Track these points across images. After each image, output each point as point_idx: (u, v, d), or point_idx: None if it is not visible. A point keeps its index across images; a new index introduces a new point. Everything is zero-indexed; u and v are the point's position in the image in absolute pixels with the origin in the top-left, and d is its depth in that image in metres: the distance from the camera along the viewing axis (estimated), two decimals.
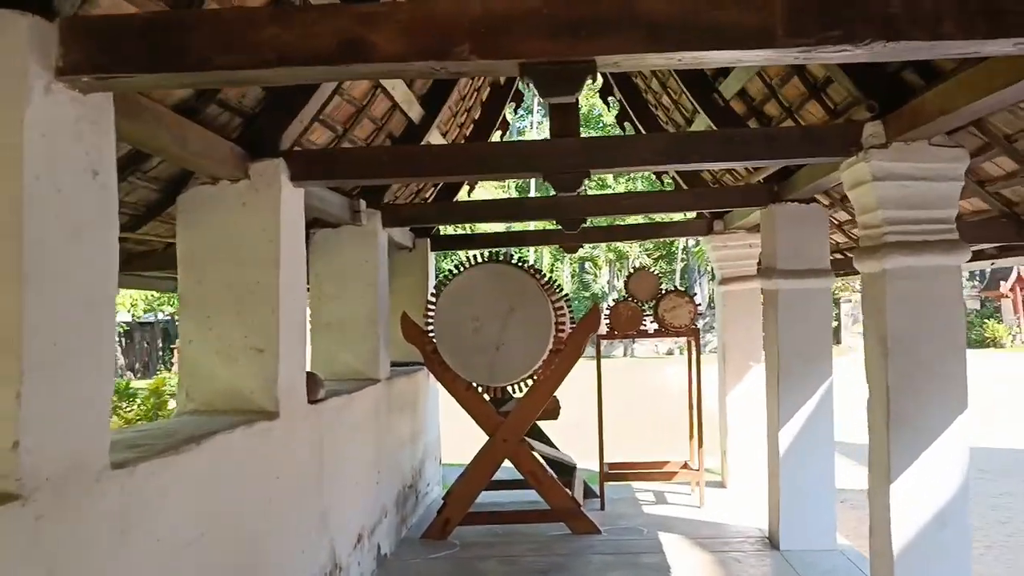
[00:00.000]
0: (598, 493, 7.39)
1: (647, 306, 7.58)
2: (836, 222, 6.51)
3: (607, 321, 7.43)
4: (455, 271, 6.38)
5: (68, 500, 2.26)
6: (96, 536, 2.39)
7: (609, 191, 28.55)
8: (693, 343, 7.69)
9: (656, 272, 7.86)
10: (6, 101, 2.15)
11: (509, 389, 6.66)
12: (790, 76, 4.87)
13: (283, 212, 4.01)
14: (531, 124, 36.26)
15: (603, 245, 34.11)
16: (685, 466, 7.92)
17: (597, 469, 7.48)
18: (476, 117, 7.99)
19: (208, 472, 3.11)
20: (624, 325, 7.46)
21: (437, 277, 7.10)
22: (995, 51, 2.25)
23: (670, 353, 32.67)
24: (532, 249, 32.96)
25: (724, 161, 4.09)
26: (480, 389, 6.46)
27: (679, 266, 34.52)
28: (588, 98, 27.61)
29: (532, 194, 30.02)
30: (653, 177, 9.19)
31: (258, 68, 2.23)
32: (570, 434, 9.39)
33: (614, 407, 8.99)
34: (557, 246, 32.91)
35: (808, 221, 5.83)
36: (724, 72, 5.72)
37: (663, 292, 7.56)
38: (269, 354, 3.92)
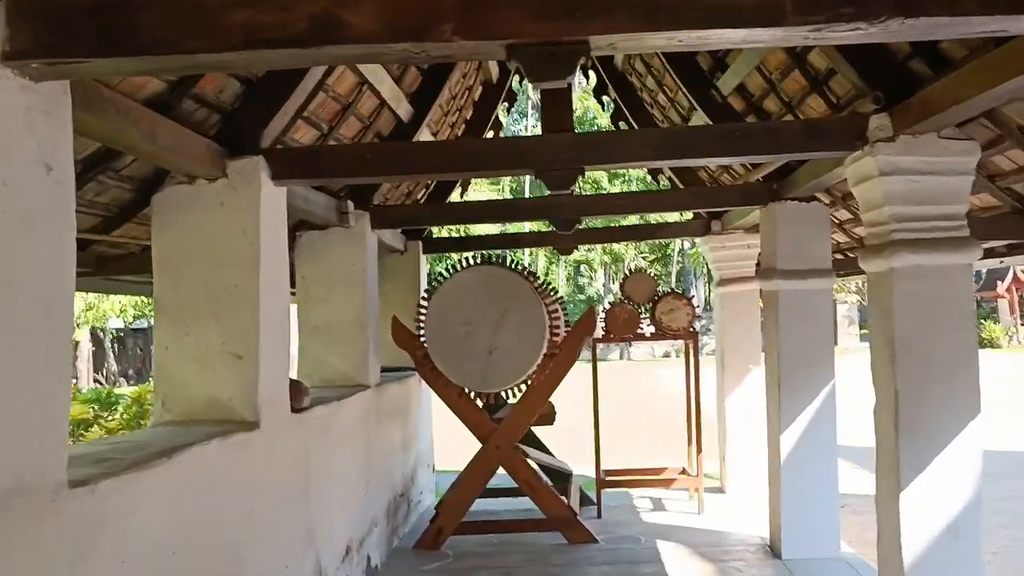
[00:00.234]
0: (595, 501, 7.20)
1: (644, 309, 7.41)
2: (837, 221, 6.34)
3: (603, 324, 7.26)
4: (446, 274, 6.20)
5: (16, 524, 2.07)
6: (50, 561, 2.20)
7: (604, 193, 28.39)
8: (691, 346, 7.51)
9: (653, 274, 7.68)
10: None
11: (503, 395, 6.48)
12: (790, 69, 4.71)
13: (263, 212, 3.83)
14: (526, 128, 36.10)
15: (599, 248, 33.98)
16: (683, 472, 7.74)
17: (593, 476, 7.30)
18: (468, 117, 7.83)
19: (180, 488, 2.93)
20: (621, 328, 7.29)
21: (429, 280, 6.93)
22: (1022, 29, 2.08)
23: (667, 356, 32.51)
24: (527, 252, 32.82)
25: (723, 156, 3.92)
26: (473, 395, 6.28)
27: (675, 268, 34.38)
28: (583, 100, 27.50)
29: (527, 196, 29.85)
30: (649, 179, 9.02)
31: (222, 51, 2.05)
32: (565, 440, 9.22)
33: (610, 411, 8.82)
34: (552, 248, 32.88)
35: (809, 220, 5.67)
36: (722, 67, 5.56)
37: (660, 294, 7.39)
38: (249, 361, 3.74)
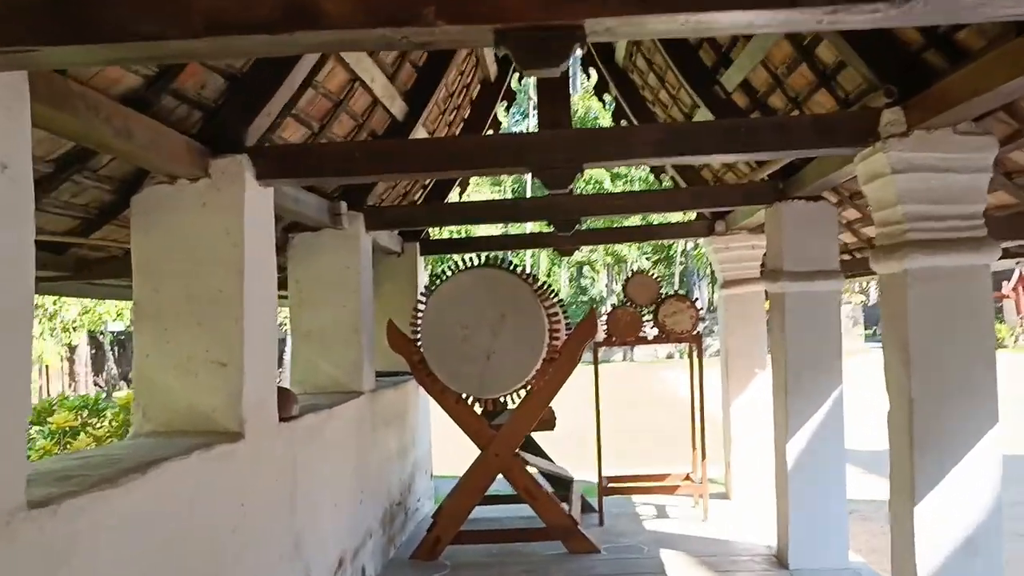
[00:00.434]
0: (596, 508, 7.03)
1: (647, 311, 7.23)
2: (844, 221, 6.16)
3: (605, 327, 7.09)
4: (443, 276, 6.03)
5: None
6: None
7: (604, 192, 28.20)
8: (695, 349, 7.33)
9: (656, 276, 7.51)
10: None
11: (502, 400, 6.31)
12: (797, 63, 4.54)
13: (248, 213, 3.67)
14: (527, 129, 35.94)
15: (601, 249, 33.81)
16: (687, 478, 7.57)
17: (595, 482, 7.13)
18: (466, 116, 7.67)
19: (155, 505, 2.76)
20: (623, 331, 7.11)
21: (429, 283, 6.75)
22: None
23: (670, 357, 32.31)
24: (529, 254, 32.65)
25: (727, 153, 3.75)
26: (471, 401, 6.11)
27: (678, 270, 34.18)
28: (584, 100, 27.33)
29: (528, 196, 29.68)
30: (651, 179, 8.85)
31: (185, 38, 1.89)
32: (565, 445, 9.06)
33: (613, 415, 8.65)
34: (553, 250, 32.69)
35: (816, 220, 5.49)
36: (725, 62, 5.39)
37: (663, 297, 7.21)
38: (233, 368, 3.57)
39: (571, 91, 3.98)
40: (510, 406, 6.40)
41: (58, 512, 2.24)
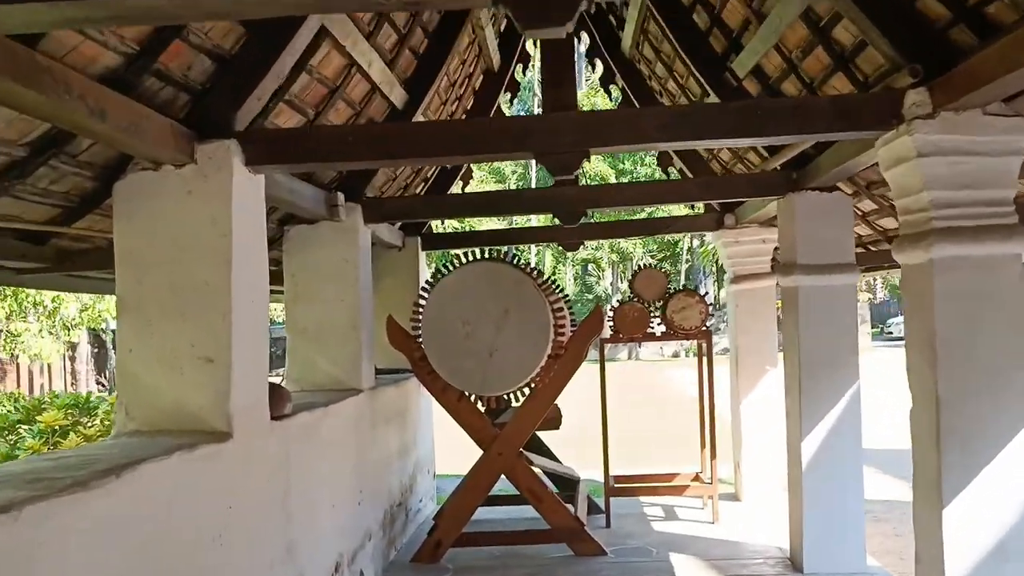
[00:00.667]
0: (603, 509, 6.84)
1: (654, 307, 7.03)
2: (860, 212, 5.96)
3: (611, 323, 6.89)
4: (445, 270, 5.84)
5: None
6: None
7: (610, 183, 27.95)
8: (704, 346, 7.13)
9: (664, 270, 7.30)
10: None
11: (505, 398, 6.12)
12: (813, 46, 4.33)
13: (236, 201, 3.49)
14: None
15: (606, 246, 33.59)
16: (697, 478, 7.37)
17: (601, 482, 6.94)
18: (468, 107, 7.48)
19: (130, 509, 2.58)
20: (630, 327, 6.91)
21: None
22: None
23: (676, 356, 32.10)
24: (534, 252, 32.44)
25: (742, 136, 3.55)
26: (474, 399, 5.92)
27: (684, 267, 33.93)
28: (589, 96, 27.12)
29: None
30: (659, 174, 8.64)
31: None
32: (570, 443, 8.86)
33: (618, 414, 8.44)
34: (559, 247, 32.46)
35: (831, 211, 5.30)
36: (736, 48, 5.19)
37: (671, 292, 7.01)
38: (220, 364, 3.39)
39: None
40: (514, 404, 6.22)
41: (20, 518, 2.06)
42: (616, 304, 7.10)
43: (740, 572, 5.52)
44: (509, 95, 7.77)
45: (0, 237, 3.79)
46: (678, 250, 34.21)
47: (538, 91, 28.48)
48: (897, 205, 3.65)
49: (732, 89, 5.34)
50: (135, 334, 3.43)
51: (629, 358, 32.05)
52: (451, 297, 5.69)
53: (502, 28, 7.11)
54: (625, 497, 7.16)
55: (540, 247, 33.66)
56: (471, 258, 5.84)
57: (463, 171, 7.71)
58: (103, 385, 22.07)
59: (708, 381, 7.03)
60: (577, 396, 8.21)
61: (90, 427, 7.75)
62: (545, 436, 7.23)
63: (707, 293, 7.56)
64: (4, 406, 10.27)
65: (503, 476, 5.98)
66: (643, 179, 28.94)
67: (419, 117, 5.65)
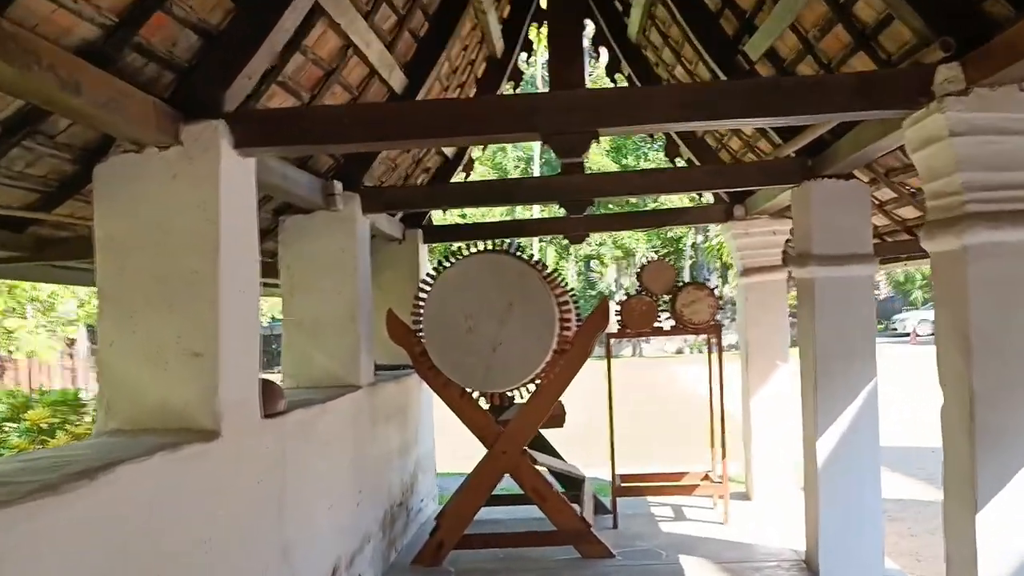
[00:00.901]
0: (610, 509, 6.64)
1: (662, 301, 6.82)
2: (876, 201, 5.74)
3: (618, 318, 6.68)
4: (446, 262, 5.63)
5: None
6: None
7: (616, 171, 27.67)
8: (714, 341, 6.92)
9: (673, 262, 7.08)
10: None
11: (509, 394, 5.91)
12: (831, 25, 4.11)
13: (224, 185, 3.29)
14: None
15: (609, 242, 33.37)
16: (706, 477, 7.16)
17: (606, 479, 6.74)
18: (470, 95, 7.26)
19: (106, 515, 2.39)
20: (637, 322, 6.70)
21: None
22: None
23: (679, 352, 31.87)
24: (536, 249, 32.23)
25: (760, 116, 3.34)
26: (476, 395, 5.72)
27: (687, 263, 33.67)
28: (594, 86, 26.83)
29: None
30: (665, 165, 8.43)
31: None
32: (575, 441, 8.67)
33: (625, 411, 8.25)
34: (562, 242, 32.21)
35: (848, 199, 5.08)
36: (749, 30, 4.98)
37: (680, 285, 6.80)
38: (208, 359, 3.20)
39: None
40: (518, 401, 6.02)
41: None
42: (623, 298, 6.89)
43: (754, 575, 5.32)
44: (512, 83, 7.56)
45: None
46: (681, 246, 33.97)
47: (540, 86, 28.27)
48: (926, 190, 3.43)
49: (744, 73, 5.12)
50: (117, 326, 3.23)
51: (633, 354, 31.84)
52: (453, 290, 5.49)
53: (505, 14, 6.90)
54: (632, 497, 6.95)
55: (542, 243, 33.47)
56: (474, 250, 5.63)
57: (465, 162, 7.51)
58: None
59: (719, 377, 6.81)
60: (582, 393, 8.01)
61: (79, 425, 7.55)
62: (549, 434, 7.02)
63: (717, 286, 7.33)
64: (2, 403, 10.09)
65: (507, 475, 5.78)
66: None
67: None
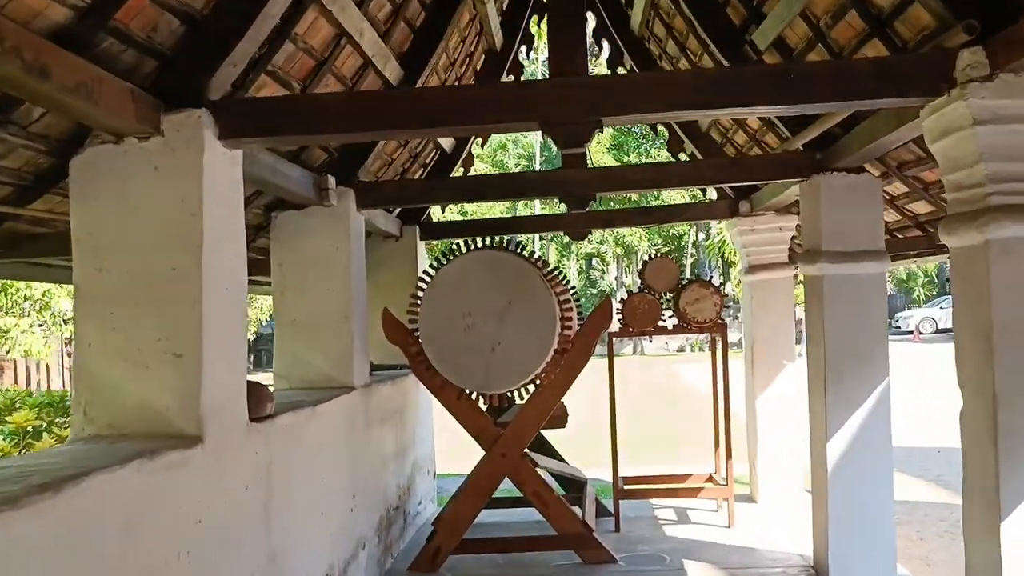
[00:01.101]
0: (612, 511, 6.48)
1: (666, 298, 6.66)
2: (887, 196, 5.57)
3: (620, 316, 6.52)
4: (444, 259, 5.46)
5: None
6: None
7: (619, 165, 27.54)
8: (719, 340, 6.75)
9: (675, 259, 6.91)
10: None
11: (509, 395, 5.74)
12: (844, 11, 3.95)
13: (208, 178, 3.13)
14: None
15: (611, 240, 33.23)
16: (710, 479, 7.00)
17: (608, 480, 6.57)
18: None
19: (74, 529, 2.22)
20: (640, 320, 6.53)
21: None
22: None
23: (681, 350, 31.73)
24: (537, 246, 32.07)
25: (774, 104, 3.17)
26: (476, 396, 5.55)
27: (689, 261, 33.52)
28: None
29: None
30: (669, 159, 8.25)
31: None
32: (576, 442, 8.51)
33: (625, 411, 8.08)
34: (563, 241, 32.04)
35: (859, 194, 4.90)
36: (757, 19, 4.81)
37: (684, 282, 6.63)
38: (190, 360, 3.04)
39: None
40: (518, 402, 5.86)
41: None
42: (625, 296, 6.72)
43: None
44: (512, 78, 7.38)
45: None
46: (683, 244, 33.82)
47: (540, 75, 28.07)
48: (946, 182, 3.27)
49: (751, 64, 4.96)
50: (94, 327, 3.07)
51: (634, 353, 31.69)
52: (451, 288, 5.32)
53: (504, 5, 6.74)
54: (635, 499, 6.79)
55: (543, 241, 33.33)
56: (472, 247, 5.47)
57: (464, 156, 7.34)
58: None
59: (724, 377, 6.64)
60: (583, 393, 7.85)
61: (66, 428, 7.37)
62: (550, 435, 6.86)
63: (723, 283, 7.17)
64: None
65: (507, 478, 5.62)
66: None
67: None
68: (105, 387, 3.06)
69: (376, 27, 4.62)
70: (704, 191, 7.84)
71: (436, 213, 7.98)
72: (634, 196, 27.85)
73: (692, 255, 34.16)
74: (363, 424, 5.20)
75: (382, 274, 6.94)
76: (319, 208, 5.03)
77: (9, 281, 11.82)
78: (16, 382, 20.06)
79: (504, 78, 7.10)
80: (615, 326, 6.38)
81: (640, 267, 6.81)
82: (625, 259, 35.54)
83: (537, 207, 25.66)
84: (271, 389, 5.10)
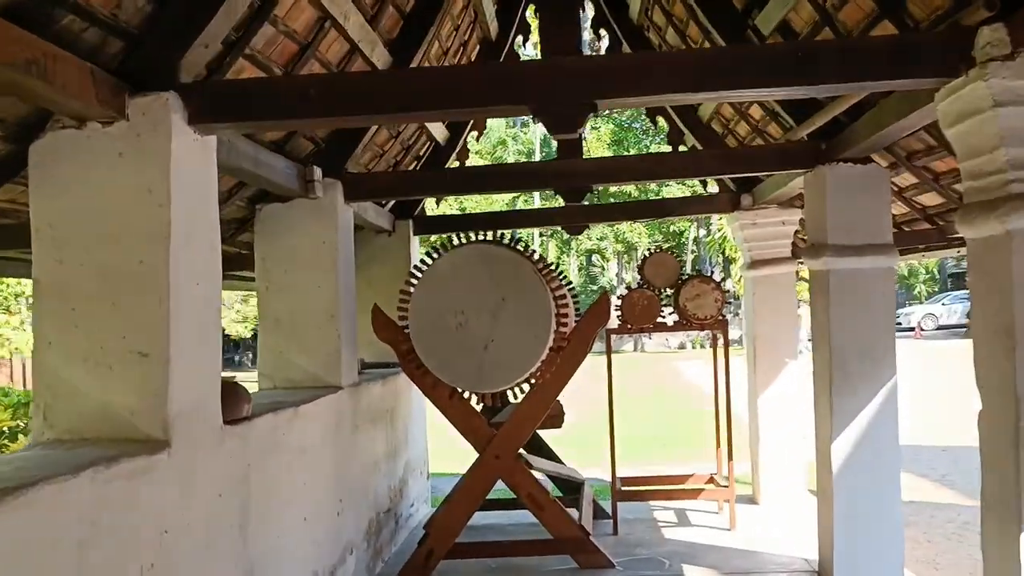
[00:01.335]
0: (609, 513, 6.29)
1: (665, 294, 6.46)
2: (895, 188, 5.37)
3: (619, 312, 6.33)
4: (435, 253, 5.26)
5: None
6: None
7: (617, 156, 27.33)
8: (720, 337, 6.56)
9: (676, 255, 6.71)
10: None
11: (506, 394, 5.55)
12: None
13: (177, 166, 2.94)
14: None
15: (611, 236, 33.02)
16: (711, 480, 6.81)
17: (607, 480, 6.38)
18: None
19: (21, 540, 2.04)
20: (638, 317, 6.34)
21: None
22: None
23: (682, 347, 31.56)
24: (538, 242, 31.87)
25: (779, 85, 2.96)
26: (470, 396, 5.36)
27: (690, 257, 33.31)
28: None
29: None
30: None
31: None
32: (573, 442, 8.33)
33: (624, 409, 7.89)
34: (563, 236, 31.83)
35: (865, 185, 4.71)
36: (760, 2, 4.61)
37: (684, 278, 6.44)
38: (156, 360, 2.85)
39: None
40: (514, 401, 5.66)
41: None
42: (624, 292, 6.53)
43: None
44: None
45: None
46: (684, 240, 33.61)
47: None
48: (963, 169, 3.08)
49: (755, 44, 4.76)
50: (55, 325, 2.88)
51: (635, 349, 31.51)
52: (441, 284, 5.12)
53: None
54: (634, 501, 6.60)
55: (543, 237, 33.12)
56: (463, 240, 5.27)
57: (459, 149, 7.14)
58: None
59: (725, 375, 6.45)
60: (581, 391, 7.67)
61: None
62: (546, 434, 6.67)
63: (725, 279, 6.97)
64: None
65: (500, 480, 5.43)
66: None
67: None
68: (66, 389, 2.87)
69: (362, 10, 4.42)
70: (705, 184, 7.65)
71: (431, 207, 7.77)
72: (634, 191, 27.68)
73: (693, 251, 33.96)
74: (351, 425, 5.01)
75: (375, 269, 6.76)
76: (305, 200, 4.84)
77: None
78: (12, 380, 19.91)
79: None
80: (613, 323, 6.19)
81: (639, 262, 6.62)
82: (625, 255, 35.33)
83: (537, 202, 25.48)
84: (258, 389, 4.93)
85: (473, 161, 7.51)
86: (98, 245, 2.88)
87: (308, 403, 4.23)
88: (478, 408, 5.47)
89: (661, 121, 7.24)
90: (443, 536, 5.31)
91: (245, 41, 3.57)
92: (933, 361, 18.54)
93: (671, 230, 33.12)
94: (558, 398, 5.56)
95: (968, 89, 2.84)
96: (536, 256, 5.33)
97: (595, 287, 34.32)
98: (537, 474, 5.68)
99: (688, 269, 31.35)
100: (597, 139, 33.00)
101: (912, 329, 29.61)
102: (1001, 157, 2.81)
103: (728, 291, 6.90)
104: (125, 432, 2.82)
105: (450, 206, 25.30)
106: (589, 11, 6.97)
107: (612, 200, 23.49)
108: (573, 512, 5.65)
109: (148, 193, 2.89)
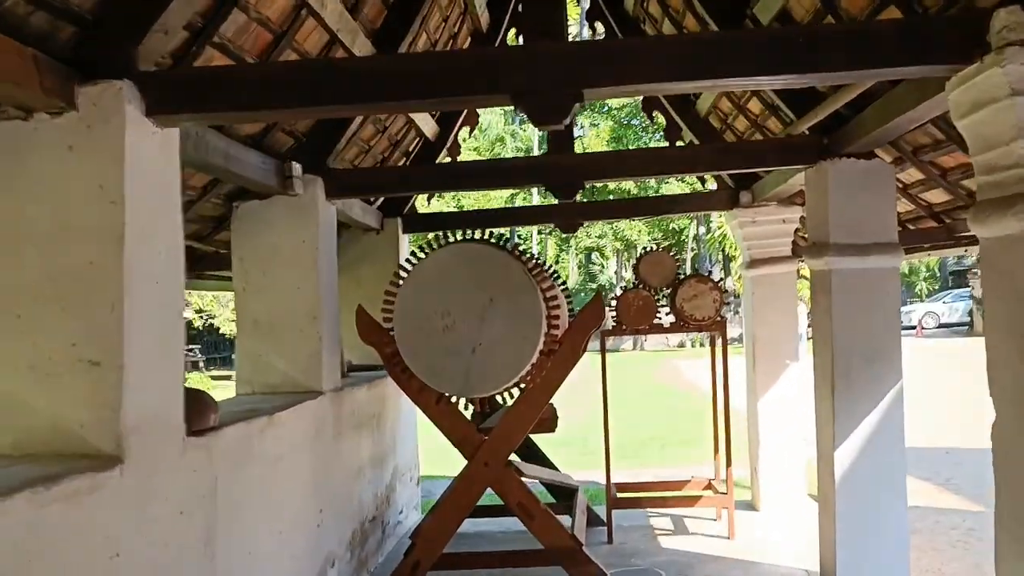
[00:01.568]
0: (604, 521, 6.09)
1: (662, 294, 6.26)
2: (899, 185, 5.17)
3: (613, 313, 6.12)
4: (420, 252, 5.05)
5: None
6: None
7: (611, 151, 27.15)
8: (718, 338, 6.36)
9: (673, 253, 6.50)
10: None
11: (496, 399, 5.34)
12: None
13: (131, 160, 2.74)
14: None
15: (610, 234, 32.81)
16: (709, 486, 6.61)
17: (600, 483, 6.19)
18: None
19: None
20: (634, 318, 6.13)
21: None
22: None
23: (681, 346, 31.35)
24: (536, 241, 31.66)
25: (780, 73, 2.75)
26: (457, 401, 5.15)
27: (689, 255, 33.10)
28: None
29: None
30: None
31: None
32: (567, 445, 8.13)
33: (620, 411, 7.70)
34: (562, 235, 31.60)
35: (869, 181, 4.51)
36: None
37: (681, 277, 6.23)
38: (108, 368, 2.65)
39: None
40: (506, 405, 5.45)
41: None
42: (619, 292, 6.32)
43: None
44: None
45: None
46: (683, 238, 33.39)
47: None
48: (976, 163, 2.87)
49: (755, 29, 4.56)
50: None
51: (634, 348, 31.29)
52: (427, 284, 4.89)
53: None
54: (629, 508, 6.40)
55: (542, 235, 32.92)
56: (450, 239, 5.05)
57: (450, 144, 6.94)
58: None
59: (723, 377, 6.25)
60: (577, 392, 7.47)
61: None
62: (543, 436, 6.47)
63: (723, 279, 6.78)
64: None
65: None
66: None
67: None
68: (11, 401, 2.66)
69: None
70: (703, 180, 7.44)
71: (422, 203, 7.56)
72: (634, 189, 27.47)
73: (693, 249, 33.74)
74: (332, 432, 4.81)
75: (363, 269, 6.56)
76: (284, 197, 4.64)
77: None
78: None
79: None
80: (608, 324, 5.98)
81: (635, 261, 6.42)
82: (625, 253, 35.11)
83: (535, 199, 25.27)
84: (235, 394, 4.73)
85: (468, 158, 7.29)
86: (46, 245, 2.68)
87: (285, 410, 4.03)
88: (467, 413, 5.26)
89: (659, 117, 7.04)
90: (430, 547, 5.09)
91: (213, 28, 3.37)
92: (934, 360, 18.36)
93: (671, 228, 32.90)
94: (551, 401, 5.35)
95: (983, 77, 2.63)
96: (527, 256, 5.12)
97: (594, 285, 34.13)
98: (529, 481, 5.48)
99: (688, 267, 31.17)
100: (596, 136, 32.79)
101: (913, 328, 29.43)
102: (1018, 150, 2.60)
103: (728, 291, 6.70)
104: (74, 447, 2.62)
105: (447, 204, 25.09)
106: (585, 4, 6.77)
107: (611, 197, 23.32)
108: (566, 520, 5.45)
109: (100, 189, 2.69)
